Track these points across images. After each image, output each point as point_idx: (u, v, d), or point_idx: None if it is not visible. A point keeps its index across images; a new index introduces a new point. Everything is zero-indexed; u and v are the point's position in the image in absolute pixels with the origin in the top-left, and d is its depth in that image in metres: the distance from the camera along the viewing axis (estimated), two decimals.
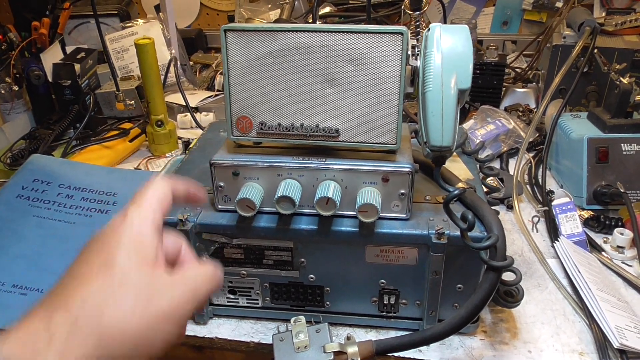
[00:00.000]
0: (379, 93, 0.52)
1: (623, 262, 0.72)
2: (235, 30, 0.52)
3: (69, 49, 1.14)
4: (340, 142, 0.55)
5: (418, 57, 0.51)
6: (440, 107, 0.49)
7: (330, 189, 0.54)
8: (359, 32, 0.50)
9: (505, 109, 1.14)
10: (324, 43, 0.51)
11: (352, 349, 0.53)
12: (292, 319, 0.57)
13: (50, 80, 1.05)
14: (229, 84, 0.54)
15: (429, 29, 0.50)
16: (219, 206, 0.58)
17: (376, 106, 0.52)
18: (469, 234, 0.53)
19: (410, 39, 0.51)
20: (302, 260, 0.59)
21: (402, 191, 0.55)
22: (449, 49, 0.49)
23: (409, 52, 0.51)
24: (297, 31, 0.51)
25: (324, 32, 0.51)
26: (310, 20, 1.30)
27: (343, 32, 0.50)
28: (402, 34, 0.49)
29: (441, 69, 0.49)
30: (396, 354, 0.59)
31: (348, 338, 0.55)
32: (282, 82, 0.53)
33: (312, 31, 0.51)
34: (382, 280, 0.59)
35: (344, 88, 0.52)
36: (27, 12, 1.28)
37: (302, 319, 0.57)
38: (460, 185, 0.60)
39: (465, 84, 0.49)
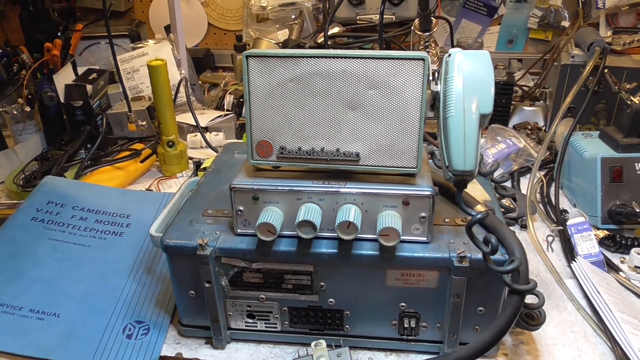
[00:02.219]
0: (401, 118, 0.52)
1: None
2: (257, 56, 0.52)
3: (79, 70, 1.15)
4: (360, 166, 0.55)
5: (438, 82, 0.52)
6: (462, 132, 0.49)
7: (351, 213, 0.54)
8: (381, 58, 0.51)
9: (514, 127, 1.14)
10: (345, 69, 0.51)
11: None
12: (313, 343, 0.57)
13: (62, 101, 1.05)
14: (250, 109, 0.54)
15: (449, 54, 0.51)
16: (239, 230, 0.58)
17: (397, 130, 0.53)
18: (491, 257, 0.53)
19: (431, 63, 0.51)
20: (322, 284, 0.59)
21: (423, 214, 0.55)
22: (470, 74, 0.50)
23: (430, 78, 0.52)
24: (319, 57, 0.51)
25: (346, 58, 0.51)
26: (320, 40, 1.31)
27: (365, 57, 0.51)
28: (423, 59, 0.50)
29: (463, 94, 0.49)
30: None
31: None
32: (303, 107, 0.53)
33: (334, 57, 0.51)
34: (403, 304, 0.59)
35: (365, 113, 0.52)
36: (38, 33, 1.29)
37: (323, 343, 0.57)
38: (479, 207, 0.60)
39: (487, 109, 0.49)
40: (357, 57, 0.51)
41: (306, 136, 0.54)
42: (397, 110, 0.52)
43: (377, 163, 0.54)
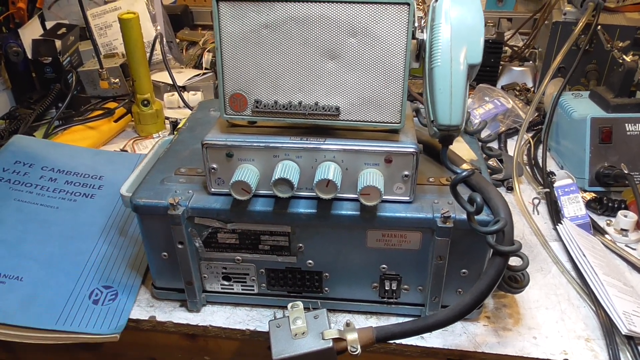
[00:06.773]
0: (383, 68, 0.49)
1: (627, 245, 0.70)
2: (229, 0, 0.48)
3: (48, 25, 1.08)
4: (340, 121, 0.52)
5: (425, 30, 0.48)
6: (449, 84, 0.46)
7: (330, 171, 0.51)
8: (362, 3, 0.47)
9: (502, 88, 1.11)
10: (324, 14, 0.47)
11: (351, 336, 0.51)
12: (289, 305, 0.55)
13: (29, 57, 1.00)
14: (221, 58, 0.50)
15: (436, 0, 0.47)
16: (212, 189, 0.55)
17: (380, 82, 0.49)
18: (475, 217, 0.50)
19: (417, 9, 0.48)
20: (300, 245, 0.56)
21: (406, 173, 0.52)
22: (458, 21, 0.46)
23: (415, 25, 0.48)
24: (295, 1, 0.47)
25: (324, 2, 0.47)
26: None
27: (345, 2, 0.47)
28: (408, 4, 0.46)
29: (450, 43, 0.46)
30: (397, 341, 0.57)
31: (347, 324, 0.53)
32: (279, 56, 0.49)
33: (311, 1, 0.47)
34: (384, 266, 0.57)
35: (345, 63, 0.49)
36: None
37: (300, 304, 0.55)
38: (465, 166, 0.58)
39: (475, 59, 0.46)
40: (337, 2, 0.47)
41: (283, 88, 0.51)
42: (379, 61, 0.48)
43: (358, 118, 0.51)
